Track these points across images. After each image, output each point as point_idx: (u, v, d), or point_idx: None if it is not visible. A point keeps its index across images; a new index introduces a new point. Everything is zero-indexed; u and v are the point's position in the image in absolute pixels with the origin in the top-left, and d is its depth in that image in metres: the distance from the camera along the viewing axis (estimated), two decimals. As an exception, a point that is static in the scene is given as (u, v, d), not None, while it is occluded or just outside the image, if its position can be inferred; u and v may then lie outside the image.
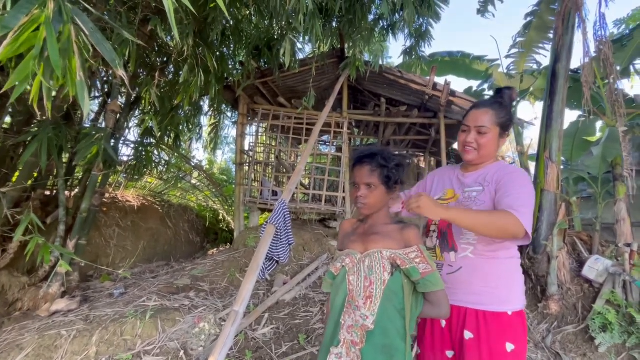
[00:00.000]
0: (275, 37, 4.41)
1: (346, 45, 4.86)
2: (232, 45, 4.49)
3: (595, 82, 3.85)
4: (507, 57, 5.91)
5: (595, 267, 3.19)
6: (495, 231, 1.08)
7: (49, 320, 2.66)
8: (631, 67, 4.67)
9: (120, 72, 1.14)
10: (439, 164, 7.53)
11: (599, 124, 6.28)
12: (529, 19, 5.40)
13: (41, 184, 3.48)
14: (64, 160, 3.68)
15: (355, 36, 4.36)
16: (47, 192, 3.85)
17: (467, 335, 1.19)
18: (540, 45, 5.59)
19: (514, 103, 1.52)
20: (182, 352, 2.33)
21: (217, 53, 3.15)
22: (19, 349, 2.26)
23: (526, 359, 1.21)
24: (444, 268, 1.29)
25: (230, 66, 4.65)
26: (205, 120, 6.44)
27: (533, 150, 6.53)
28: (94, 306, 2.93)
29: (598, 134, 6.44)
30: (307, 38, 4.44)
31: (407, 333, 1.03)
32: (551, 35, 5.36)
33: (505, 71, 6.04)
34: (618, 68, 4.63)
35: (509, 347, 1.14)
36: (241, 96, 5.18)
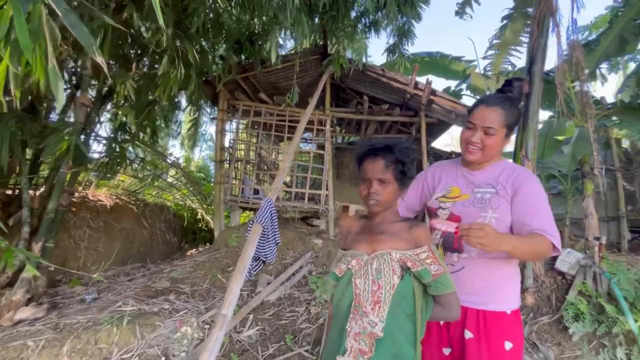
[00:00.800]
0: (257, 31, 4.31)
1: (329, 43, 4.82)
2: (212, 38, 4.34)
3: (566, 84, 4.05)
4: (484, 58, 6.09)
5: (568, 260, 3.35)
6: (535, 256, 1.23)
7: (13, 330, 2.45)
8: (597, 70, 4.95)
9: (99, 59, 1.04)
10: (418, 163, 7.68)
11: (567, 124, 6.61)
12: (505, 21, 5.59)
13: (2, 182, 3.21)
14: (28, 156, 3.41)
15: (339, 33, 4.33)
16: (9, 192, 3.56)
17: (467, 334, 1.18)
18: (515, 47, 5.81)
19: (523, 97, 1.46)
20: (163, 358, 2.22)
21: (197, 46, 3.01)
22: (-21, 363, 2.07)
23: (522, 356, 1.21)
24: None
25: (210, 60, 4.49)
26: (182, 116, 6.21)
27: (511, 147, 6.80)
28: (63, 313, 2.73)
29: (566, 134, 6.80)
30: (291, 33, 4.38)
31: (417, 339, 0.98)
32: (524, 39, 5.59)
33: (482, 72, 6.23)
34: (586, 71, 4.89)
35: (508, 345, 1.14)
36: (221, 91, 5.02)
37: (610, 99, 5.57)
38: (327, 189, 5.20)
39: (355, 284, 1.04)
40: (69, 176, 3.20)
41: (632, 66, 8.05)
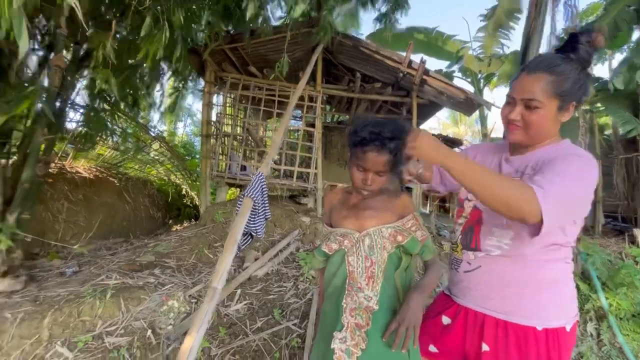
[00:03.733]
0: None
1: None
2: (202, 5, 4.06)
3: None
4: (476, 40, 6.04)
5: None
6: (500, 201, 0.81)
7: (-11, 302, 2.36)
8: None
9: (73, 1, 0.92)
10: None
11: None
12: (496, 3, 5.50)
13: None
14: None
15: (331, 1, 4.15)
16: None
17: (484, 347, 1.00)
18: (505, 31, 5.76)
19: (595, 55, 1.00)
20: (149, 331, 2.19)
21: (182, 9, 2.79)
22: (-47, 335, 1.98)
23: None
24: (462, 265, 1.11)
25: (195, 27, 4.22)
26: (166, 87, 5.91)
27: (496, 133, 6.89)
28: (42, 286, 2.65)
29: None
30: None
31: (399, 299, 1.04)
32: (517, 20, 5.53)
33: (475, 54, 6.19)
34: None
35: None
36: (208, 62, 4.78)
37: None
38: (316, 168, 5.14)
39: (349, 261, 1.05)
40: (43, 145, 3.02)
41: (619, 57, 8.18)
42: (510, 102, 0.98)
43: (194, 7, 3.51)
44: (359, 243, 1.04)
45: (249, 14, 2.63)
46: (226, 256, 1.72)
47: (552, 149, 0.98)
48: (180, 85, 4.88)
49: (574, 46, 0.94)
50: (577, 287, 2.97)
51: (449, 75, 6.64)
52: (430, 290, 1.05)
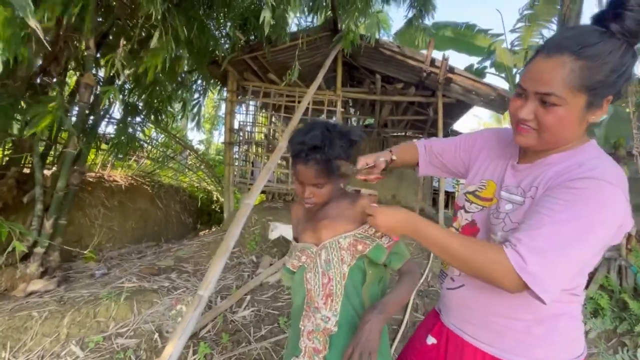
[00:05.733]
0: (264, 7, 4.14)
1: (338, 17, 4.57)
2: (221, 17, 4.22)
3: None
4: (513, 31, 5.61)
5: (591, 251, 3.08)
6: (473, 272, 0.72)
7: (24, 301, 2.59)
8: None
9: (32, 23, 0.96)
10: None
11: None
12: (536, -11, 5.07)
13: (16, 160, 3.36)
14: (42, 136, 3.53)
15: (349, 7, 4.09)
16: (26, 170, 3.73)
17: None
18: (547, 19, 5.28)
19: None
20: (156, 334, 2.26)
21: (195, 21, 2.90)
22: (-11, 330, 2.19)
23: None
24: (446, 280, 0.99)
25: (216, 39, 4.39)
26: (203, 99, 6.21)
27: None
28: (71, 287, 2.86)
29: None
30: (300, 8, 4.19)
31: None
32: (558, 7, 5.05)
33: (509, 47, 5.75)
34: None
35: None
36: (230, 72, 4.94)
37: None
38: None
39: (306, 278, 0.96)
40: (76, 155, 3.29)
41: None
42: (522, 94, 0.75)
43: (211, 19, 3.66)
44: (316, 257, 0.96)
45: (267, 29, 2.65)
46: (216, 264, 1.72)
47: (568, 158, 0.75)
48: (190, 95, 5.09)
49: (618, 13, 0.65)
50: (626, 305, 2.59)
51: (480, 72, 6.23)
52: (396, 308, 0.91)
